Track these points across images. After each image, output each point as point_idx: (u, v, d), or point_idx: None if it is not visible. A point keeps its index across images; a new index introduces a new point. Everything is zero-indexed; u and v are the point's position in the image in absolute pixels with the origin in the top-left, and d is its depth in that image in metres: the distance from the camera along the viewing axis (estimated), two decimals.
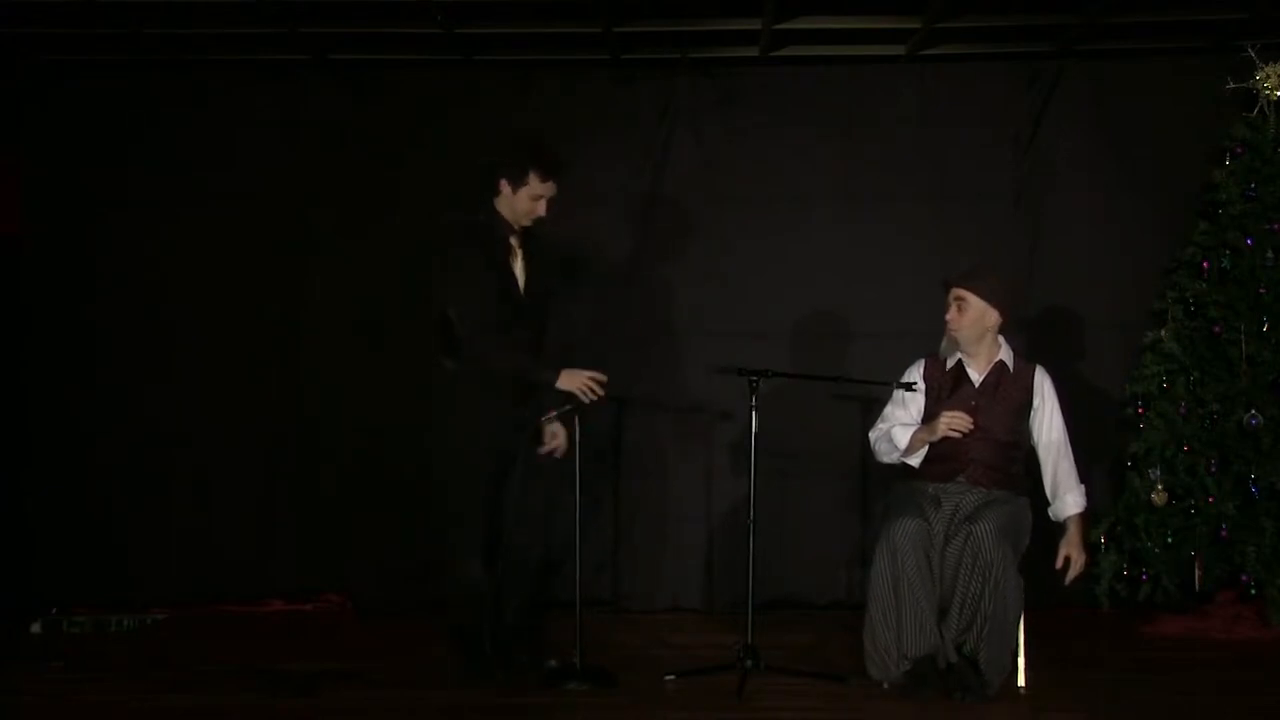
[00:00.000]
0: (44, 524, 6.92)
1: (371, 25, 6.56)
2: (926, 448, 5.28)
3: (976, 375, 5.31)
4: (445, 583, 5.36)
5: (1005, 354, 5.33)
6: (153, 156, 6.97)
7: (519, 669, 5.30)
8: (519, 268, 5.30)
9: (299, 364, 6.98)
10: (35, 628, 6.43)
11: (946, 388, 5.32)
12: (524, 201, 5.23)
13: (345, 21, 6.53)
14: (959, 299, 5.26)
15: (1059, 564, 5.23)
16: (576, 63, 6.99)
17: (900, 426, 5.35)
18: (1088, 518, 5.35)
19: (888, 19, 6.52)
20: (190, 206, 6.97)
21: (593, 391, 5.12)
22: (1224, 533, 6.19)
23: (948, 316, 5.28)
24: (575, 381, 5.12)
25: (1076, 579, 5.28)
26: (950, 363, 5.35)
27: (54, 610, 6.58)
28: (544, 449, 5.37)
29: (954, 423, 5.15)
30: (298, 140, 7.01)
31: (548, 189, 5.23)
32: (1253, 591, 6.13)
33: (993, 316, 5.26)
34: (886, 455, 5.40)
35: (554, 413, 5.23)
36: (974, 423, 5.19)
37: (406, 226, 6.87)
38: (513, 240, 5.29)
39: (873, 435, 5.45)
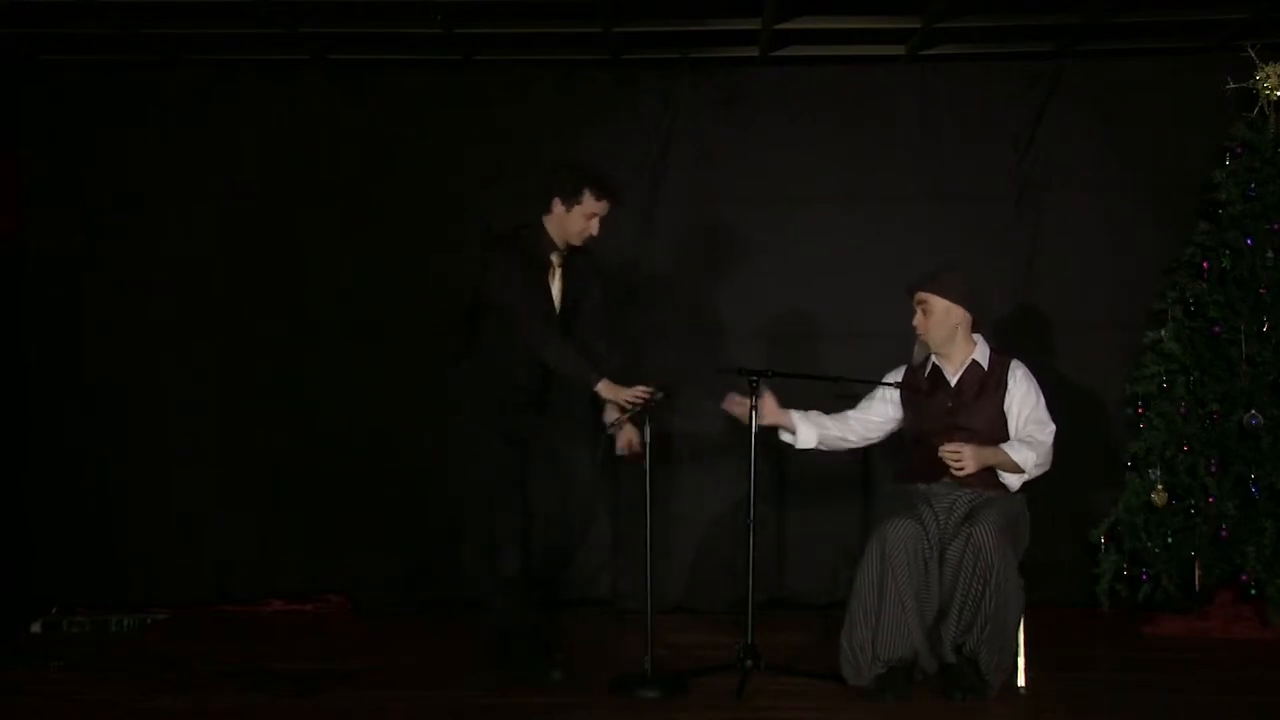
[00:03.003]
0: (44, 524, 6.92)
1: (371, 25, 6.56)
2: (800, 422, 5.38)
3: (952, 377, 5.31)
4: (481, 583, 5.37)
5: (980, 352, 5.32)
6: (153, 156, 6.97)
7: (544, 667, 5.33)
8: (556, 287, 5.38)
9: (299, 363, 6.97)
10: (35, 628, 6.42)
11: (924, 392, 5.33)
12: (577, 220, 5.30)
13: (345, 21, 6.53)
14: (921, 303, 5.28)
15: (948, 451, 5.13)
16: (576, 63, 6.99)
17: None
18: (1010, 467, 5.13)
19: (888, 19, 6.52)
20: (190, 206, 6.97)
21: (631, 404, 5.18)
22: (1224, 533, 6.19)
23: (914, 323, 5.30)
24: (616, 394, 5.18)
25: (949, 455, 5.12)
26: (927, 368, 5.36)
27: (54, 610, 6.58)
28: (622, 452, 5.41)
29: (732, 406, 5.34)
30: (298, 140, 7.01)
31: (602, 207, 5.31)
32: (1253, 591, 6.13)
33: (957, 314, 5.25)
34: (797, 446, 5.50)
35: (623, 415, 5.25)
36: (953, 423, 5.20)
37: (406, 226, 6.89)
38: (553, 258, 5.36)
39: None
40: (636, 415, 5.21)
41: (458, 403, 5.35)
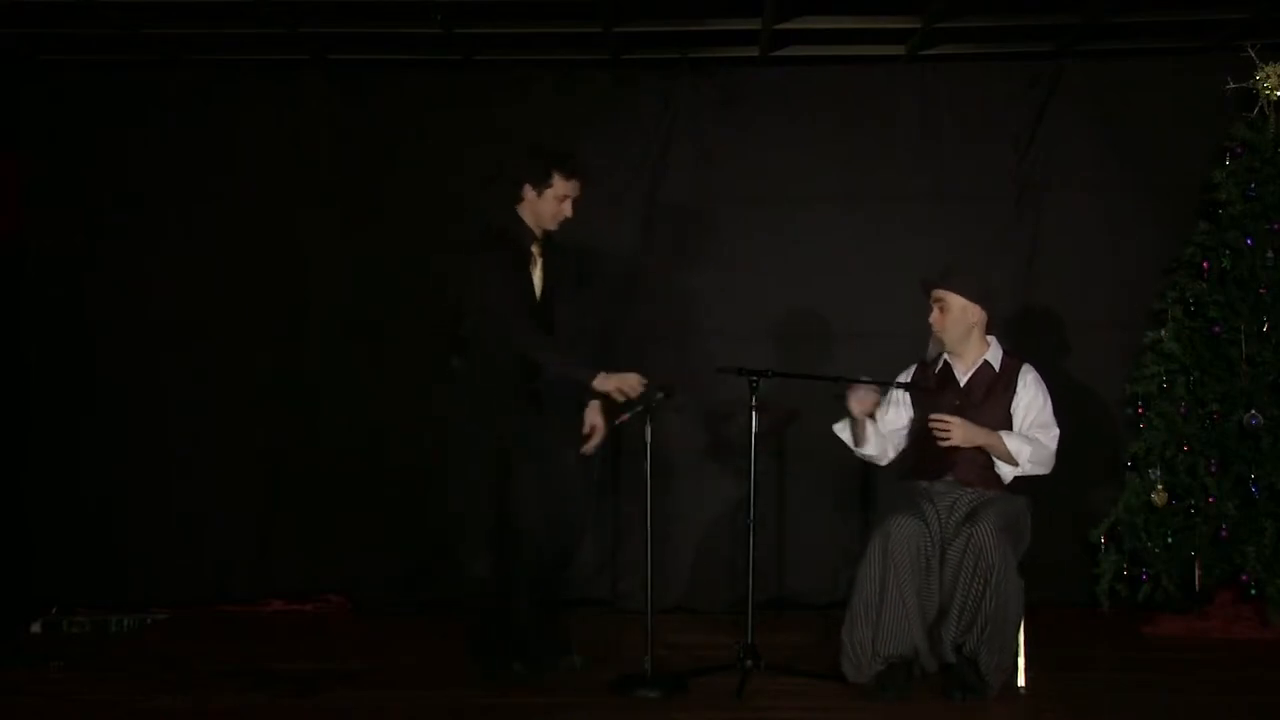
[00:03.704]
0: (44, 524, 6.92)
1: (371, 25, 6.56)
2: (872, 434, 5.32)
3: (962, 376, 5.31)
4: (460, 583, 5.37)
5: (992, 353, 5.32)
6: (153, 156, 6.97)
7: (535, 663, 5.33)
8: (537, 275, 5.38)
9: (299, 363, 6.98)
10: (35, 628, 6.42)
11: (933, 390, 5.32)
12: (549, 204, 5.30)
13: (345, 21, 6.53)
14: (938, 300, 5.27)
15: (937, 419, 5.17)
16: (576, 63, 6.99)
17: (843, 423, 5.40)
18: (1002, 454, 5.16)
19: (888, 19, 6.52)
20: (190, 206, 6.97)
21: (622, 394, 5.18)
22: (1224, 533, 6.19)
23: (931, 319, 5.29)
24: (610, 384, 5.18)
25: (938, 426, 5.15)
26: (938, 365, 5.36)
27: (54, 610, 6.58)
28: (586, 447, 5.44)
29: (859, 404, 5.23)
30: (298, 140, 7.01)
31: (572, 188, 5.31)
32: (1253, 591, 6.13)
33: (974, 313, 5.26)
34: (854, 450, 5.45)
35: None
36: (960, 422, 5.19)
37: (406, 226, 6.89)
38: (534, 248, 5.36)
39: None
40: (637, 413, 5.22)
41: (457, 403, 5.35)
